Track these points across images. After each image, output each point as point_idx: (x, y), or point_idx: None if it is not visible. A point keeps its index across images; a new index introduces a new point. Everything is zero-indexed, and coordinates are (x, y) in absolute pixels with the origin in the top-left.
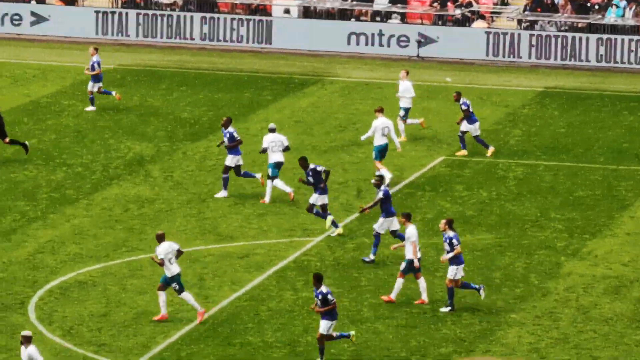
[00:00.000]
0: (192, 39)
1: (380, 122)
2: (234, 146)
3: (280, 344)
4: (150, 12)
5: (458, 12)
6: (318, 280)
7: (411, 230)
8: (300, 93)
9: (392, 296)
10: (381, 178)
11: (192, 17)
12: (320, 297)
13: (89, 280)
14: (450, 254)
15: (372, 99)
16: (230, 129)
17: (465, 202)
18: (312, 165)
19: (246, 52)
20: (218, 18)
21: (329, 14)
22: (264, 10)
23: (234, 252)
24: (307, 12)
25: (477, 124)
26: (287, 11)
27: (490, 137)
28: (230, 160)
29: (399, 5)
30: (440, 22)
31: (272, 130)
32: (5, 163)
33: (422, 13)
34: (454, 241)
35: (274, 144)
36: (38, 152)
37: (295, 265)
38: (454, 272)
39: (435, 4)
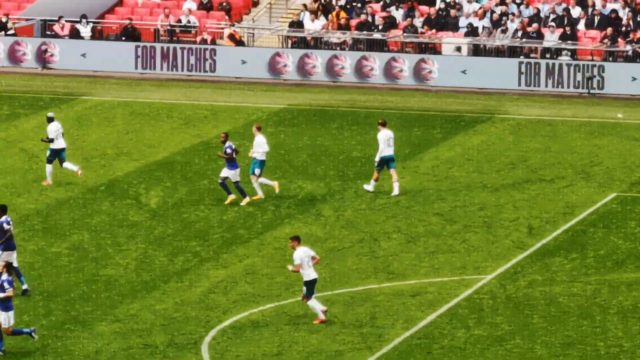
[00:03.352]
0: (362, 77)
1: (384, 134)
2: None
3: None
4: (317, 51)
5: (629, 48)
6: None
7: (297, 253)
8: (471, 131)
9: (321, 317)
10: (3, 208)
11: (362, 56)
12: None
13: (261, 320)
14: (1, 294)
15: (542, 136)
16: None
17: (638, 238)
18: None
19: (416, 90)
20: (388, 57)
21: (498, 52)
22: (434, 49)
23: (406, 290)
24: (477, 50)
25: (237, 170)
26: (458, 49)
27: None
28: None
29: (569, 42)
30: (610, 59)
31: (52, 120)
32: (178, 204)
33: (593, 49)
34: (6, 285)
35: (57, 132)
36: (209, 192)
37: (467, 303)
38: (5, 319)
39: (605, 40)
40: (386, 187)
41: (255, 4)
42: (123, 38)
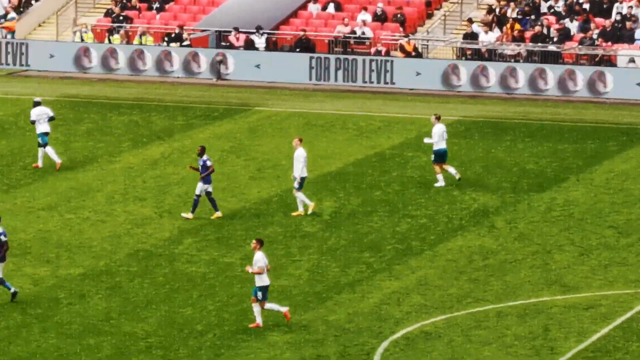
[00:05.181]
0: (536, 90)
1: (439, 127)
2: None
3: None
4: (491, 63)
5: None
6: None
7: (260, 256)
8: None
9: (284, 311)
10: None
11: (536, 68)
12: None
13: (433, 332)
14: None
15: None
16: None
17: None
18: None
19: (590, 102)
20: (562, 70)
21: None
22: (609, 61)
23: (579, 303)
24: None
25: (208, 187)
26: (632, 61)
27: None
28: None
29: None
30: None
31: (38, 104)
32: (351, 215)
33: None
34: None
35: (40, 116)
36: (383, 203)
37: None
38: None
39: None
40: (559, 199)
41: (430, 16)
42: (297, 49)
